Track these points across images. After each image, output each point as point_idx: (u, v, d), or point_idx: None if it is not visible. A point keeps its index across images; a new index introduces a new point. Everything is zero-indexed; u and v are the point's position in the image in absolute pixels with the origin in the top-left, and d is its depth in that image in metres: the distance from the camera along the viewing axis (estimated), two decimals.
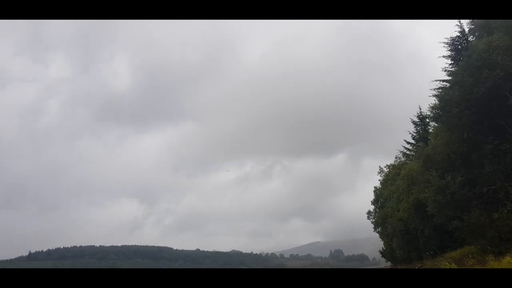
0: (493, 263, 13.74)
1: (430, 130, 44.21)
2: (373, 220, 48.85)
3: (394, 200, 37.53)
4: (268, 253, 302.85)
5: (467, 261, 16.70)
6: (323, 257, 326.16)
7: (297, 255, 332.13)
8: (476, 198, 19.47)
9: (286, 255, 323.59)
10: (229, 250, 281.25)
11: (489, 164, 18.96)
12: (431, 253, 24.00)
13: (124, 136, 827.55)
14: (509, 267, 12.49)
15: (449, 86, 36.28)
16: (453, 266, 15.69)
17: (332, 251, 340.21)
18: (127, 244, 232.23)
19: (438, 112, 21.39)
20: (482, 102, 19.74)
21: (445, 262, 16.46)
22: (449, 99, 20.41)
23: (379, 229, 47.52)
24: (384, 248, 46.17)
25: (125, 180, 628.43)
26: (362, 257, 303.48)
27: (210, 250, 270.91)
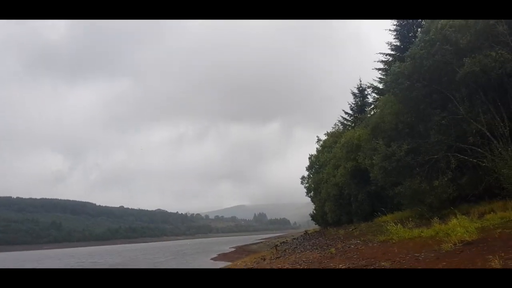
0: (438, 225, 14.58)
1: (370, 101, 46.04)
2: (307, 185, 50.65)
3: (331, 166, 38.83)
4: (193, 214, 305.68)
5: (407, 223, 17.57)
6: (247, 219, 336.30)
7: (222, 216, 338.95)
8: (419, 166, 20.50)
9: (211, 216, 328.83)
10: (154, 209, 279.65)
11: (434, 135, 19.91)
12: (378, 213, 25.29)
13: (55, 88, 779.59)
14: (455, 228, 13.27)
15: (402, 59, 37.75)
16: (399, 226, 16.45)
17: (256, 214, 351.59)
18: (47, 197, 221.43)
19: (390, 84, 21.83)
20: (432, 76, 20.53)
21: (391, 223, 17.17)
22: (401, 71, 20.93)
23: (311, 193, 49.46)
24: (315, 211, 48.07)
25: (52, 132, 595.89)
26: (284, 221, 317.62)
27: (135, 208, 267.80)
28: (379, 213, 31.23)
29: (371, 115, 28.19)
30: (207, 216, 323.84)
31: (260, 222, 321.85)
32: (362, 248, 14.96)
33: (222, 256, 59.26)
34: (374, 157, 21.55)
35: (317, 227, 58.94)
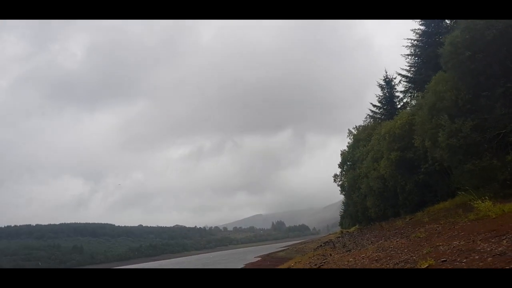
0: None
1: (398, 93, 45.20)
2: (340, 183, 49.52)
3: (369, 159, 37.73)
4: (212, 227, 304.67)
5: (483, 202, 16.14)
6: (265, 228, 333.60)
7: (240, 227, 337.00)
8: (486, 142, 19.45)
9: (230, 228, 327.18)
10: (172, 225, 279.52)
11: (500, 108, 18.89)
12: (428, 203, 23.93)
13: (76, 115, 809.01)
14: None
15: (431, 44, 36.95)
16: (488, 203, 15.17)
17: (274, 223, 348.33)
18: (66, 222, 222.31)
19: (449, 55, 20.85)
20: (492, 47, 19.59)
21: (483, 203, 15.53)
22: (461, 42, 19.99)
23: (346, 191, 48.32)
24: (352, 209, 46.50)
25: (73, 158, 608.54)
26: (303, 227, 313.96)
27: (154, 225, 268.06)
28: (429, 203, 30.06)
29: (423, 96, 27.00)
30: (225, 228, 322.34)
31: (279, 230, 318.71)
32: (458, 228, 13.77)
33: (251, 265, 58.15)
34: (439, 135, 20.42)
35: (339, 230, 57.49)
